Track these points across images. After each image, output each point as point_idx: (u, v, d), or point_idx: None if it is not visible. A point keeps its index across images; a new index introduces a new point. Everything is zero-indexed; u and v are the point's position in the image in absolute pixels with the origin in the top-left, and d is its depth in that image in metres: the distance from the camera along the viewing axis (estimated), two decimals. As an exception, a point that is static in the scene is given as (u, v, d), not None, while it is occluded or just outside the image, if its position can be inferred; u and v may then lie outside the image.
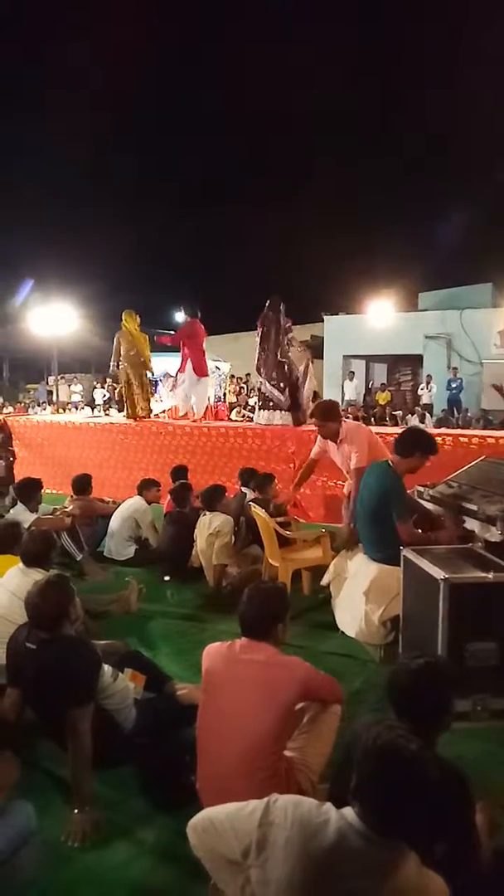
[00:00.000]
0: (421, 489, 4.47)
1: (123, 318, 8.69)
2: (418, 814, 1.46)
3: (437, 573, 3.00)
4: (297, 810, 1.56)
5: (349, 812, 1.49)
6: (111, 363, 8.98)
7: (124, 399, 8.92)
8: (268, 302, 7.91)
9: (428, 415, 15.86)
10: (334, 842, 1.46)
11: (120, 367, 8.76)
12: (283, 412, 7.67)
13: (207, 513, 4.89)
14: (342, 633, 3.97)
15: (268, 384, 7.73)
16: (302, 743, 2.40)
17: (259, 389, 8.03)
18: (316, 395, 9.09)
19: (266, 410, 7.78)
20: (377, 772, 1.45)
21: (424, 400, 16.97)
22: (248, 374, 22.17)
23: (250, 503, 4.95)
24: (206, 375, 8.83)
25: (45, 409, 18.75)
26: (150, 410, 9.06)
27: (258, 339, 7.90)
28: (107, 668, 2.65)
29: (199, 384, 8.67)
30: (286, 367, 7.67)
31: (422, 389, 17.44)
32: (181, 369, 8.70)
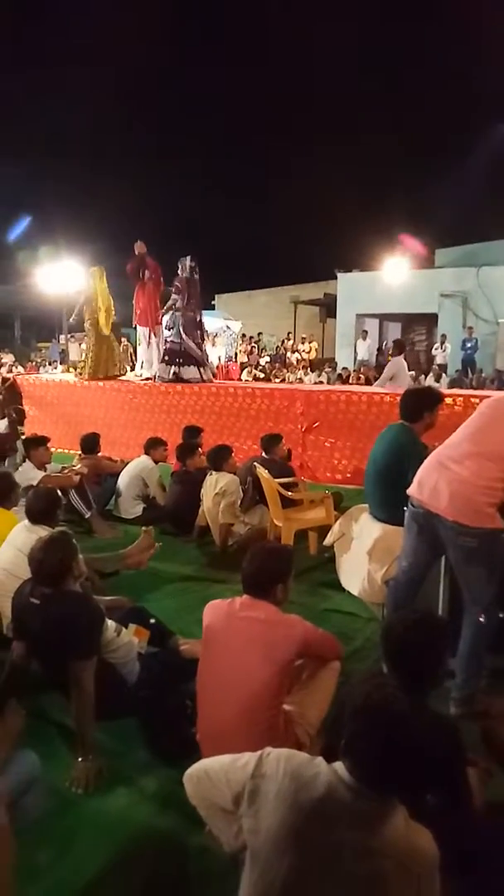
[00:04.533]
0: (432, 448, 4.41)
1: (92, 274, 8.66)
2: (406, 769, 1.48)
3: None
4: (289, 763, 1.59)
5: (339, 766, 1.52)
6: (72, 318, 9.12)
7: (88, 359, 8.94)
8: (190, 261, 8.32)
9: (443, 374, 15.65)
10: (324, 794, 1.49)
11: (86, 326, 8.83)
12: (200, 367, 8.33)
13: (214, 472, 4.89)
14: (347, 592, 4.00)
15: (191, 342, 8.30)
16: (301, 697, 2.44)
17: (172, 347, 8.35)
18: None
19: (187, 366, 8.23)
20: (365, 729, 1.47)
21: (439, 360, 16.70)
22: (260, 334, 21.97)
23: (255, 464, 4.94)
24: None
25: (56, 367, 18.72)
26: (120, 370, 9.11)
27: (179, 299, 8.29)
28: (110, 622, 2.69)
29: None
30: (202, 325, 8.65)
31: (436, 349, 17.15)
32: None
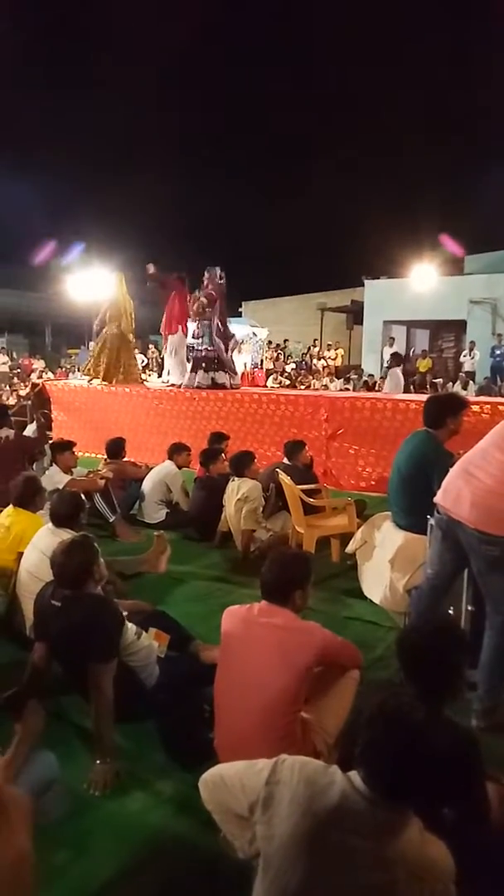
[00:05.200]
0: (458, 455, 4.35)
1: (116, 280, 8.84)
2: (421, 780, 1.46)
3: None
4: (304, 770, 1.58)
5: (354, 775, 1.51)
6: (95, 324, 9.17)
7: (107, 365, 9.10)
8: (218, 271, 8.47)
9: (471, 382, 15.46)
10: (338, 802, 1.47)
11: (107, 331, 9.02)
12: (230, 373, 8.55)
13: (236, 478, 4.90)
14: (368, 600, 3.97)
15: (223, 349, 8.52)
16: (319, 706, 2.42)
17: (208, 354, 8.45)
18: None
19: (220, 371, 8.42)
20: (380, 738, 1.45)
21: (467, 367, 16.53)
22: (286, 340, 21.99)
23: (278, 470, 4.94)
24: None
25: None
26: (140, 377, 9.39)
27: (209, 307, 8.41)
28: (131, 626, 2.71)
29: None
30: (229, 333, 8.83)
31: (464, 356, 16.97)
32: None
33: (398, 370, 10.52)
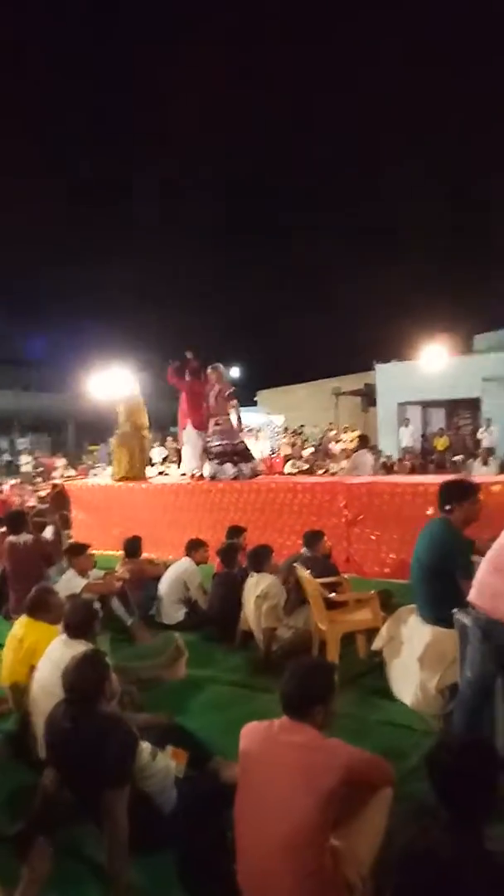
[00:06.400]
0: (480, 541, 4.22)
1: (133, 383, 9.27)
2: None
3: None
4: None
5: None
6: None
7: (123, 463, 9.28)
8: (221, 367, 8.62)
9: (491, 458, 15.32)
10: None
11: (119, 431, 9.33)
12: (252, 464, 8.56)
13: (255, 574, 4.79)
14: (399, 701, 3.74)
15: (238, 437, 8.56)
16: (349, 832, 2.22)
17: (237, 448, 8.49)
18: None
19: (237, 464, 8.33)
20: (410, 883, 1.31)
21: (485, 443, 16.41)
22: (302, 426, 22.20)
23: (295, 564, 4.82)
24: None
25: (105, 469, 19.23)
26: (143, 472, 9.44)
27: (213, 396, 8.51)
28: (146, 745, 2.56)
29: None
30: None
31: (481, 433, 16.92)
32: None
33: (365, 452, 10.01)
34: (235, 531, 6.08)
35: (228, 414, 8.50)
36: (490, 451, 15.86)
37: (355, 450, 10.57)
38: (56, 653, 3.21)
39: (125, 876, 2.32)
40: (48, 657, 3.27)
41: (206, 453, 8.55)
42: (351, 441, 20.02)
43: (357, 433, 20.75)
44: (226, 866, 2.26)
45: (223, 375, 8.63)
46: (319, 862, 2.05)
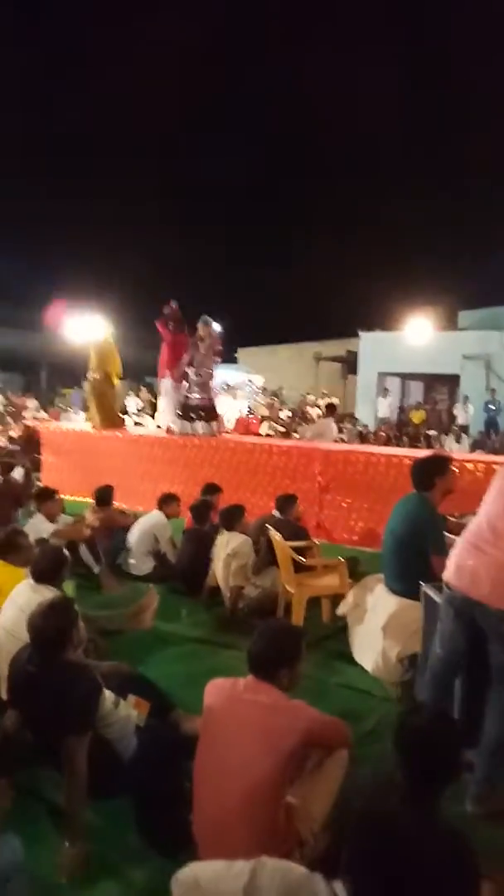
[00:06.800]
0: (451, 518, 4.27)
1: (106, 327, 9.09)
2: (411, 892, 1.34)
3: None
4: (285, 879, 1.45)
5: (339, 887, 1.38)
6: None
7: (95, 409, 9.18)
8: (213, 324, 8.51)
9: (464, 435, 15.51)
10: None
11: (90, 377, 9.12)
12: (219, 421, 8.66)
13: (226, 532, 4.80)
14: (359, 666, 3.83)
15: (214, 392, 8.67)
16: (305, 790, 2.28)
17: (201, 403, 8.51)
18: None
19: (209, 421, 8.44)
20: (366, 849, 1.34)
21: (460, 420, 16.61)
22: (281, 388, 22.11)
23: (267, 525, 4.84)
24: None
25: (78, 413, 18.96)
26: (120, 421, 9.39)
27: (206, 355, 8.45)
28: (108, 694, 2.56)
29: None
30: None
31: (457, 410, 17.09)
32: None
33: (330, 420, 10.34)
34: (211, 489, 6.06)
35: (211, 369, 8.41)
36: (464, 429, 16.07)
37: (323, 416, 10.75)
38: (22, 597, 3.18)
39: (81, 818, 2.35)
40: (13, 600, 3.23)
41: (182, 408, 8.47)
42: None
43: (327, 401, 20.86)
44: (182, 815, 2.31)
45: (213, 330, 8.47)
46: (274, 817, 2.10)
